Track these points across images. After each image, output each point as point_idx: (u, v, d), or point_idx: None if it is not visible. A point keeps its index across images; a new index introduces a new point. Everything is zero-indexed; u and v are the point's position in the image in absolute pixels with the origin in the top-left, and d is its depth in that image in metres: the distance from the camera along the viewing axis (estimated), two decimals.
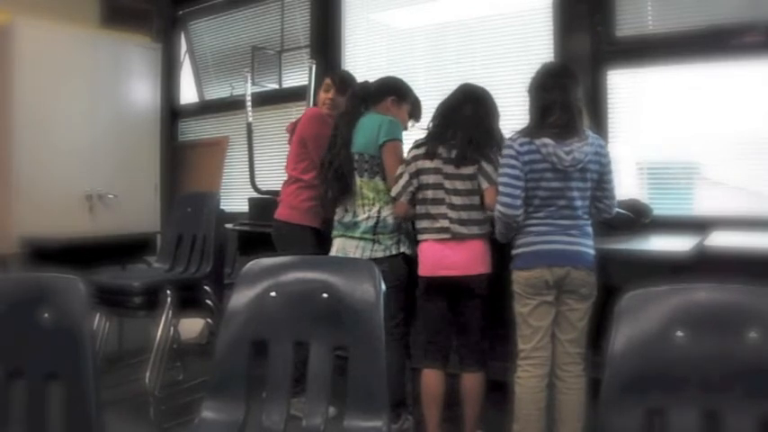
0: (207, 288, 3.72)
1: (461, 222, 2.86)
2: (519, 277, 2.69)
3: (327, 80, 3.66)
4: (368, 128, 3.14)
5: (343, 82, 3.58)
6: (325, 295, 1.72)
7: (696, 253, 2.79)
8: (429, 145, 2.93)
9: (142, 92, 5.68)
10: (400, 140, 3.13)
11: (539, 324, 2.66)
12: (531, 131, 2.68)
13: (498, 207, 2.68)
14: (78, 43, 5.21)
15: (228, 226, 4.41)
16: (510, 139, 2.73)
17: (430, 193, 2.91)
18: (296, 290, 1.77)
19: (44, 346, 1.55)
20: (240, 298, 1.78)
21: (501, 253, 2.85)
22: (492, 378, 2.93)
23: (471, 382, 2.89)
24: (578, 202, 2.66)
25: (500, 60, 4.35)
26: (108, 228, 5.12)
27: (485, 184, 2.82)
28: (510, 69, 4.23)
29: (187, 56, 6.28)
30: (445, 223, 2.87)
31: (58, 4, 5.34)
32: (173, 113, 6.26)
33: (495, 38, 4.41)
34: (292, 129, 3.72)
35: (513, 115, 3.27)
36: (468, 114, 2.89)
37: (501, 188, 2.68)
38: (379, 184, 3.12)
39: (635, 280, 1.52)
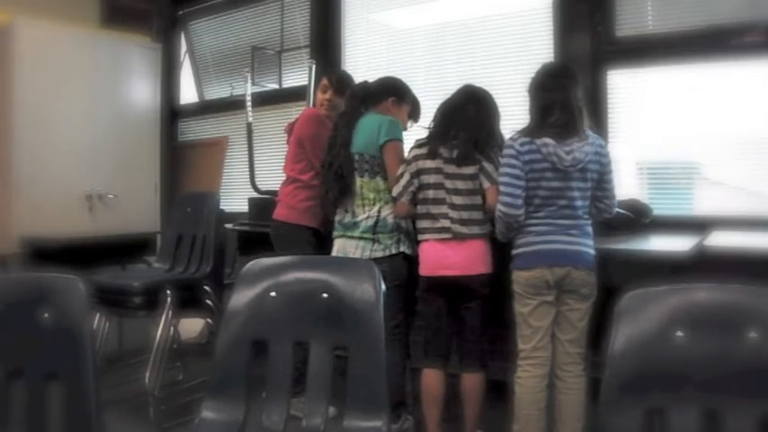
0: (207, 288, 3.72)
1: (462, 222, 2.86)
2: (519, 277, 2.69)
3: (324, 81, 3.66)
4: (368, 128, 3.14)
5: (341, 83, 3.58)
6: (325, 295, 1.72)
7: (696, 253, 2.79)
8: (431, 144, 2.93)
9: (142, 92, 5.68)
10: (401, 140, 3.13)
11: (539, 324, 2.66)
12: (532, 131, 2.68)
13: (499, 207, 2.68)
14: (78, 43, 5.21)
15: (228, 226, 4.41)
16: (510, 139, 2.73)
17: (431, 193, 2.91)
18: (296, 290, 1.78)
19: (44, 346, 1.55)
20: (240, 298, 1.78)
21: (501, 253, 2.85)
22: (492, 378, 2.93)
23: (471, 382, 2.89)
24: (578, 202, 2.66)
25: (500, 60, 4.35)
26: (108, 228, 5.12)
27: (486, 184, 2.83)
28: (510, 69, 4.23)
29: (187, 56, 6.28)
30: (446, 223, 2.87)
31: (58, 4, 5.34)
32: (173, 113, 6.26)
33: (495, 38, 4.41)
34: (290, 129, 3.72)
35: (513, 115, 3.27)
36: (470, 115, 2.89)
37: (502, 188, 2.68)
38: (380, 184, 3.13)
39: (635, 280, 1.52)
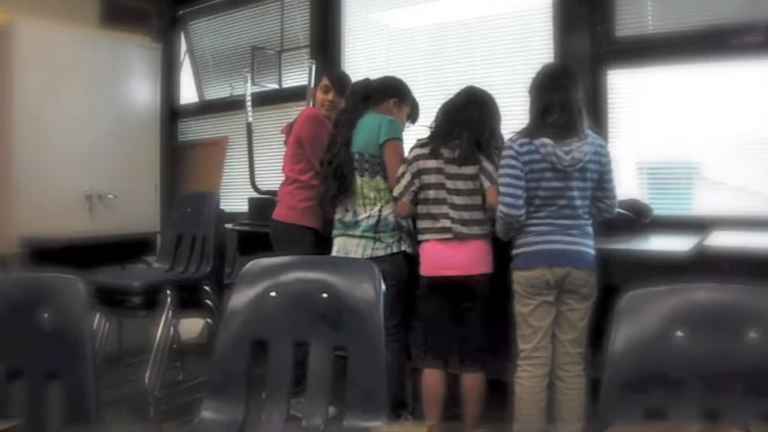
0: (207, 288, 3.72)
1: (463, 222, 2.86)
2: (519, 277, 2.69)
3: (325, 81, 3.65)
4: (368, 127, 3.14)
5: (342, 83, 3.58)
6: (325, 295, 1.73)
7: (696, 253, 2.79)
8: (432, 144, 2.93)
9: (142, 92, 5.68)
10: (401, 140, 3.13)
11: (539, 324, 2.66)
12: (531, 132, 2.68)
13: (500, 208, 2.69)
14: (78, 43, 5.21)
15: (228, 226, 4.41)
16: (510, 139, 2.74)
17: (432, 193, 2.91)
18: (296, 290, 1.78)
19: (44, 346, 1.56)
20: (240, 298, 1.78)
21: (502, 253, 2.85)
22: (492, 378, 2.93)
23: (471, 382, 2.89)
24: (578, 202, 2.66)
25: (500, 60, 4.35)
26: (108, 228, 5.12)
27: (486, 184, 2.83)
28: (510, 69, 4.22)
29: (187, 56, 6.28)
30: (447, 223, 2.87)
31: (58, 4, 5.33)
32: (173, 113, 6.26)
33: (495, 38, 4.41)
34: (288, 130, 3.71)
35: (512, 115, 3.27)
36: (472, 116, 2.90)
37: (502, 189, 2.69)
38: (380, 183, 3.13)
39: (635, 280, 1.52)
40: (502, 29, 4.38)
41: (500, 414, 2.77)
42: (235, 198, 5.66)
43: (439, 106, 3.03)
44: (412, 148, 3.02)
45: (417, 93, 3.43)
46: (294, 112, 5.11)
